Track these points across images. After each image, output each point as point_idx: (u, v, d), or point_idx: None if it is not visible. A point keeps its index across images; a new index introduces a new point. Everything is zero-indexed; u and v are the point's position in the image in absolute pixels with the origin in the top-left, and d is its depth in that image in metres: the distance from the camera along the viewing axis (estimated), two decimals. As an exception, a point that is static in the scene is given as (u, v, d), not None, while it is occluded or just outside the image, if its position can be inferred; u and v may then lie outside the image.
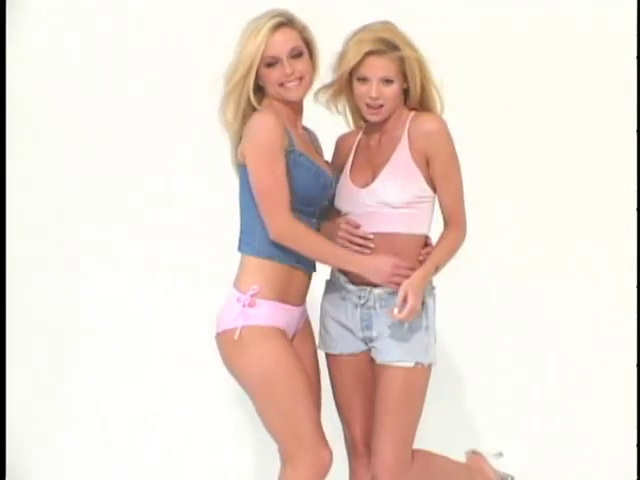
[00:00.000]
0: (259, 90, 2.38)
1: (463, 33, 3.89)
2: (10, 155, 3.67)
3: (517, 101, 3.93)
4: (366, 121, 2.48)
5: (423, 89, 2.39)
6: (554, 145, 3.96)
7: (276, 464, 2.43)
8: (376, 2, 3.38)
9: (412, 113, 2.41)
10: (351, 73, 2.35)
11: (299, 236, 2.29)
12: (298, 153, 2.35)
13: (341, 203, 2.46)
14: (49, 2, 3.94)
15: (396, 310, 2.26)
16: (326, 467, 2.32)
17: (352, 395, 2.49)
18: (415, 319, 2.33)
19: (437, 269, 2.36)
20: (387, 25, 2.36)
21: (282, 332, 2.35)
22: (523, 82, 3.94)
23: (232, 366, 2.36)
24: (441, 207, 2.44)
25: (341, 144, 2.58)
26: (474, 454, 2.72)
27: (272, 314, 2.33)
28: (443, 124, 2.37)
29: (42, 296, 3.90)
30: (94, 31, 3.94)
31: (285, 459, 2.36)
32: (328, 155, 2.63)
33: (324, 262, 2.39)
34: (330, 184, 2.43)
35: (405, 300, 2.26)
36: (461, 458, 2.70)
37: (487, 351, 3.84)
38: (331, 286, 2.52)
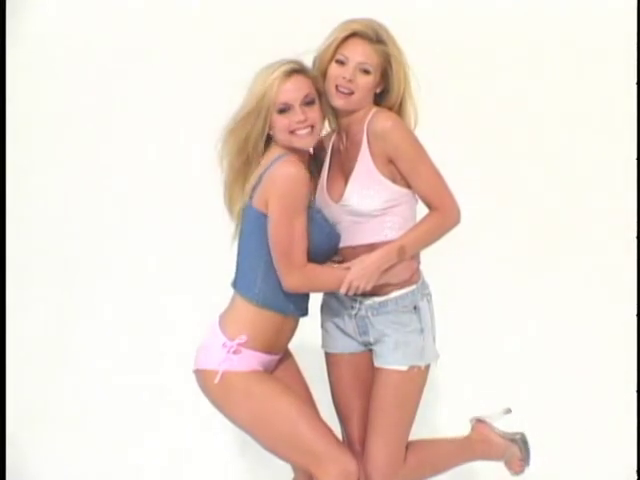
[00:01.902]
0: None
1: (462, 34, 3.89)
2: (10, 155, 3.69)
3: (516, 100, 3.94)
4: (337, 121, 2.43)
5: (401, 99, 2.37)
6: (553, 145, 3.97)
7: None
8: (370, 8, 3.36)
9: (370, 114, 2.35)
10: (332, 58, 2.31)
11: (312, 282, 2.30)
12: (316, 210, 2.36)
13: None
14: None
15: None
16: (353, 475, 2.30)
17: (351, 394, 2.50)
18: (410, 322, 2.37)
19: (403, 250, 2.31)
20: (382, 24, 2.34)
21: (261, 371, 2.36)
22: (523, 77, 3.94)
23: (217, 406, 2.38)
24: (420, 198, 2.39)
25: (319, 147, 2.52)
26: (478, 422, 2.71)
27: (254, 362, 2.34)
28: (395, 121, 2.31)
29: (42, 296, 3.93)
30: (97, 26, 3.97)
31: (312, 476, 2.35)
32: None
33: (336, 290, 2.35)
34: (338, 241, 2.41)
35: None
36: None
37: (485, 348, 3.85)
38: (329, 293, 2.51)
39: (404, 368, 2.35)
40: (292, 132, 2.29)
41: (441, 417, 3.52)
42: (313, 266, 2.29)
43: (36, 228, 3.94)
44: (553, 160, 3.97)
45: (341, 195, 2.37)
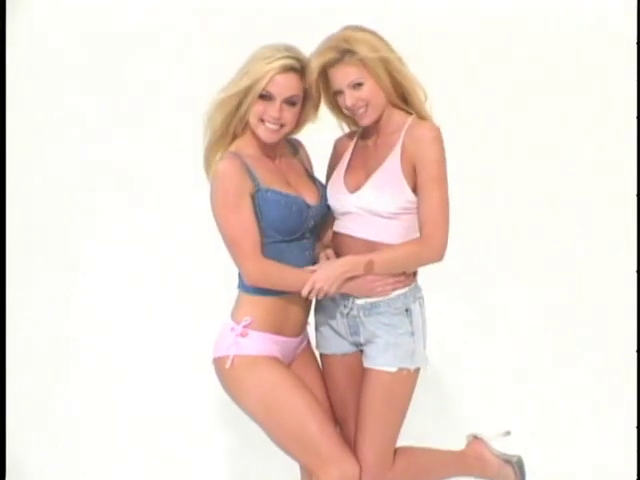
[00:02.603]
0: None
1: (460, 35, 3.94)
2: (10, 155, 3.69)
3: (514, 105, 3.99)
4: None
5: (399, 85, 2.38)
6: (553, 144, 4.01)
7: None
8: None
9: (410, 119, 2.40)
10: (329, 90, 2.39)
11: (272, 276, 2.31)
12: (264, 190, 2.35)
13: (331, 200, 2.48)
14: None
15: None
16: (353, 479, 2.32)
17: (346, 394, 2.52)
18: (401, 325, 2.39)
19: (371, 265, 2.32)
20: (343, 32, 2.35)
21: (275, 358, 2.39)
22: (522, 83, 3.99)
23: (230, 394, 2.42)
24: (418, 218, 2.38)
25: (338, 146, 2.60)
26: (475, 439, 2.70)
27: (265, 345, 2.38)
28: (436, 133, 2.34)
29: (42, 297, 3.95)
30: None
31: (312, 474, 2.37)
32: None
33: (299, 291, 2.36)
34: (307, 207, 2.42)
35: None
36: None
37: (484, 350, 3.88)
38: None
39: (393, 369, 2.37)
40: (261, 120, 2.35)
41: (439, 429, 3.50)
42: (273, 262, 2.32)
43: (36, 228, 3.98)
44: (551, 157, 4.01)
45: (359, 187, 2.40)
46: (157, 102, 3.93)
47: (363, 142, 2.51)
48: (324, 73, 2.36)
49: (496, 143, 3.99)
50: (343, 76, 2.32)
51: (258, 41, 2.41)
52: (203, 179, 2.47)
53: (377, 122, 2.42)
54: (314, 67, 2.32)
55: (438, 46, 3.86)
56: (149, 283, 3.95)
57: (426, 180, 2.31)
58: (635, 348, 3.57)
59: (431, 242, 2.33)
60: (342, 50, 2.30)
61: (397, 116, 2.41)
